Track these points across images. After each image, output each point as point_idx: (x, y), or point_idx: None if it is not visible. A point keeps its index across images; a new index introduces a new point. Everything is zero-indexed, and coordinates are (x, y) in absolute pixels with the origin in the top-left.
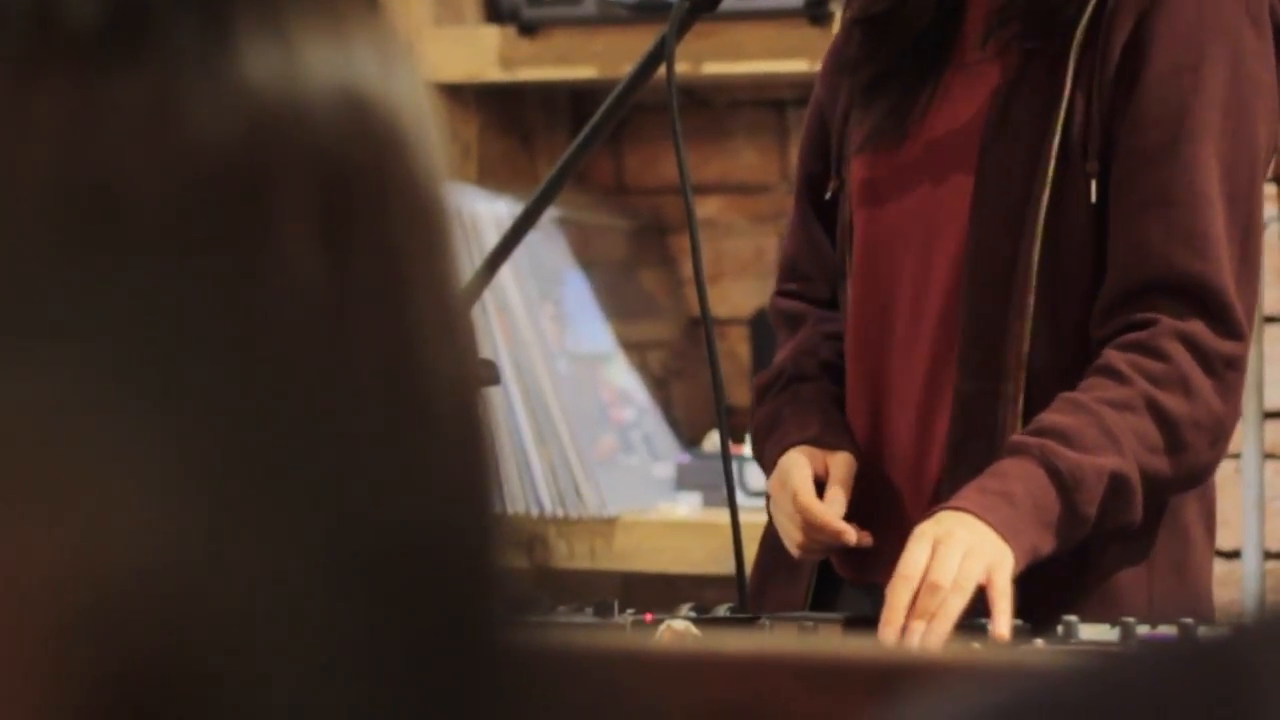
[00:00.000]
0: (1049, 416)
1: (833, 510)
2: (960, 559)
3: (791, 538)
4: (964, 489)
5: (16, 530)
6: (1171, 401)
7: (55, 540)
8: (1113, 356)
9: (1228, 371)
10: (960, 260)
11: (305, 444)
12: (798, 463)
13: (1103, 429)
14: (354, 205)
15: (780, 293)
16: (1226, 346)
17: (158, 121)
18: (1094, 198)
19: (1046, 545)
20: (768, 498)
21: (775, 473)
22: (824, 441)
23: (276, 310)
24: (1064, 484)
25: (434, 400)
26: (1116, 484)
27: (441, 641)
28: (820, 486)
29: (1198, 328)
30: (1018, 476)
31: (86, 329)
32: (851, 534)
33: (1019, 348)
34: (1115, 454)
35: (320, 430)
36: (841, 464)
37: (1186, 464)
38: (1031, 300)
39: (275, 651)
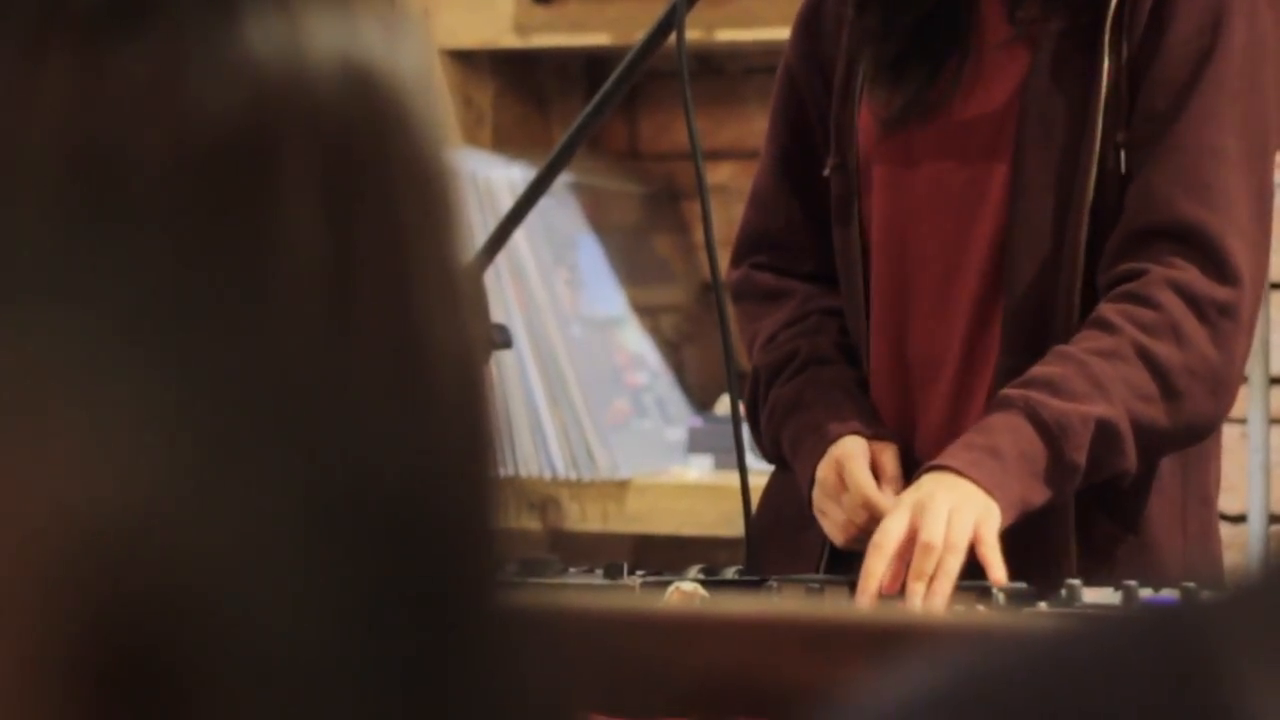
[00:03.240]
0: (1036, 369)
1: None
2: (946, 519)
3: (841, 526)
4: (951, 446)
5: (5, 474)
6: (1162, 349)
7: (44, 482)
8: (1104, 309)
9: (1222, 318)
10: (996, 241)
11: (302, 403)
12: (855, 453)
13: (1088, 377)
14: (357, 176)
15: (753, 265)
16: (1221, 293)
17: (162, 93)
18: (1124, 168)
19: (1037, 496)
20: (809, 485)
21: (827, 462)
22: (868, 431)
23: (278, 278)
24: (1049, 433)
25: (434, 367)
26: (1104, 430)
27: (431, 598)
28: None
29: (1191, 274)
30: (1003, 430)
31: (88, 289)
32: None
33: (1066, 327)
34: (1102, 401)
35: (318, 391)
36: (891, 457)
37: (1185, 413)
38: (1079, 280)
39: (263, 600)
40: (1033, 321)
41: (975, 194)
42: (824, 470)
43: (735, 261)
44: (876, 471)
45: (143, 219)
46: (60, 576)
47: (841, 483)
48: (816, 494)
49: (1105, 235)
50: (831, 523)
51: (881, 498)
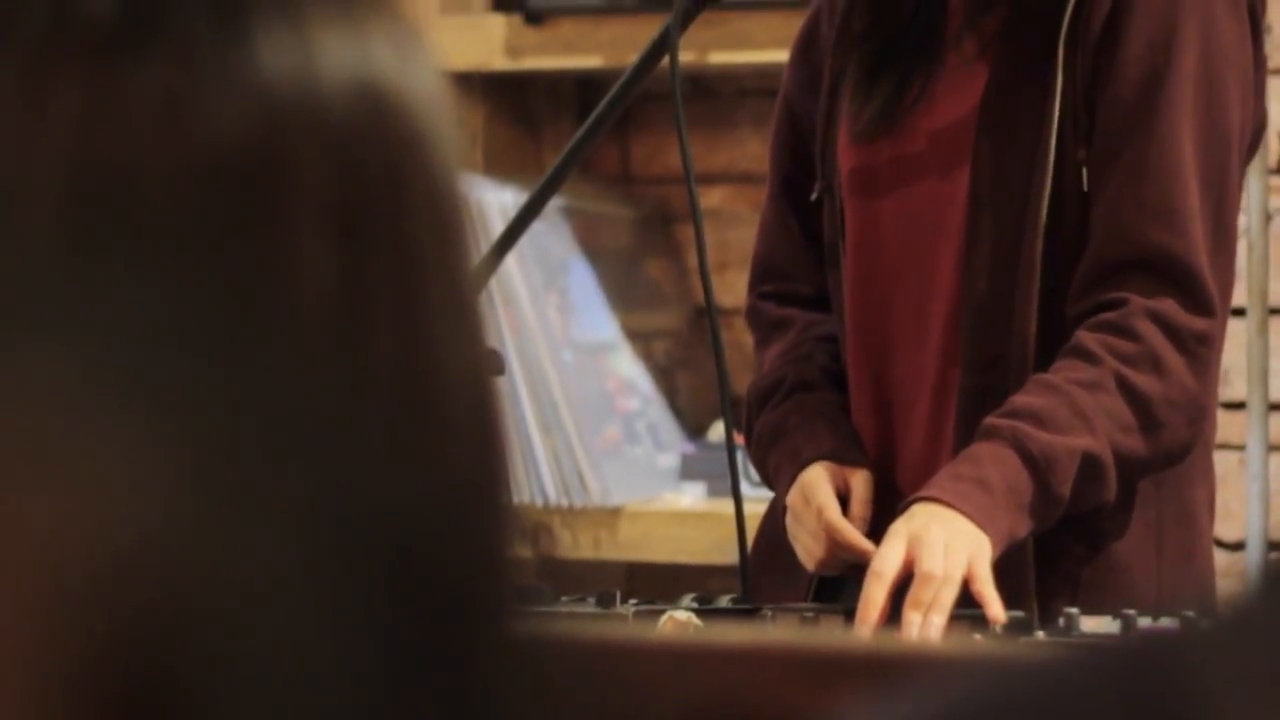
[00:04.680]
0: (1020, 398)
1: (857, 529)
2: (942, 551)
3: (811, 553)
4: (937, 476)
5: (12, 501)
6: (1143, 380)
7: (51, 513)
8: (1084, 337)
9: (1200, 348)
10: (962, 256)
11: (313, 429)
12: (821, 479)
13: (1074, 409)
14: (369, 200)
15: (760, 295)
16: (1199, 324)
17: (172, 115)
18: (1086, 186)
19: (1022, 528)
20: (783, 510)
21: (796, 488)
22: (841, 457)
23: (289, 301)
24: (1036, 465)
25: (447, 393)
26: (1089, 463)
27: (446, 629)
28: (841, 503)
29: (1169, 305)
30: (990, 461)
31: (97, 314)
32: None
33: (1024, 344)
34: (1087, 433)
35: (331, 420)
36: (862, 482)
37: (1163, 442)
38: (1036, 295)
39: (273, 632)
40: (991, 338)
41: (940, 211)
42: (793, 496)
43: (748, 291)
44: (845, 497)
45: (151, 241)
46: (68, 608)
47: (809, 509)
48: (788, 520)
49: (1063, 252)
50: (802, 548)
51: (843, 524)
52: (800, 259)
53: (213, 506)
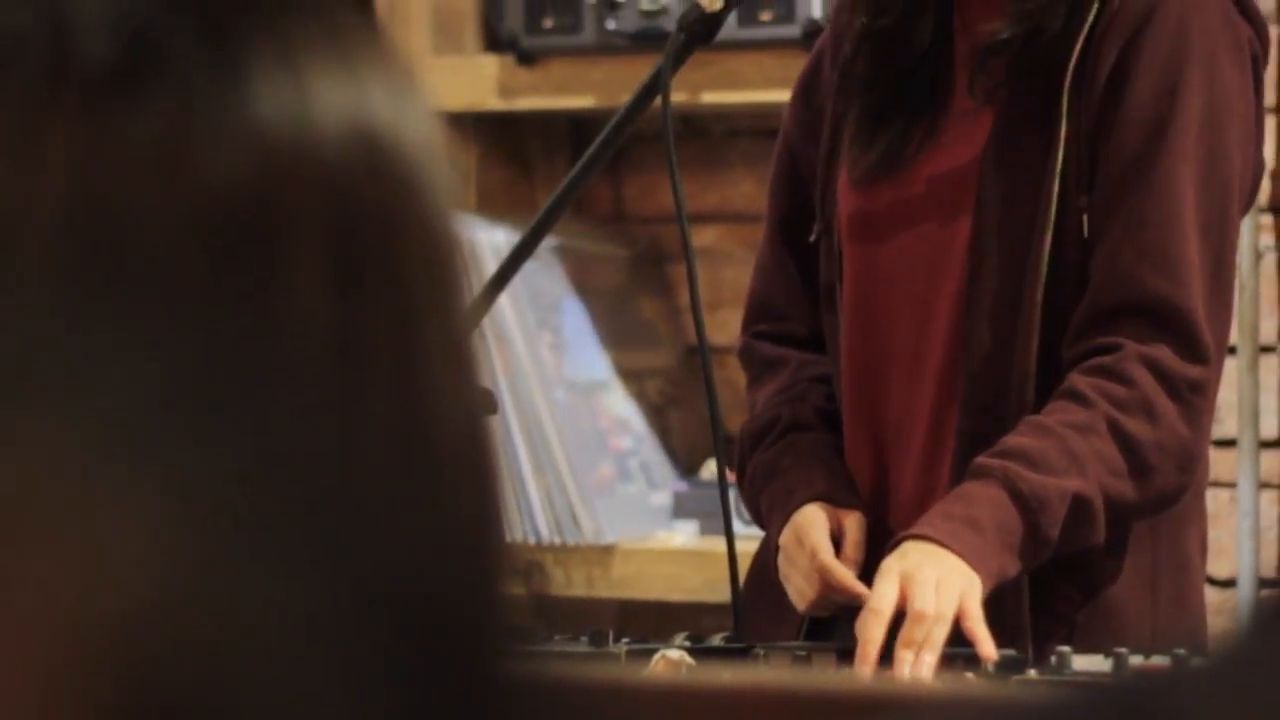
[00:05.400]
0: (1012, 439)
1: (850, 570)
2: (934, 590)
3: (803, 594)
4: (928, 514)
5: (27, 564)
6: (1135, 425)
7: (66, 575)
8: (1077, 380)
9: (1193, 396)
10: (960, 304)
11: (315, 483)
12: (814, 520)
13: (1065, 451)
14: (366, 244)
15: (754, 334)
16: (1192, 371)
17: (169, 160)
18: (1086, 232)
19: (1011, 567)
20: (775, 550)
21: (789, 528)
22: (834, 498)
23: (287, 348)
24: (1027, 506)
25: (443, 435)
26: (1079, 505)
27: (446, 672)
28: (834, 544)
29: (1163, 352)
30: (982, 500)
31: (98, 370)
32: (869, 596)
33: (1023, 389)
34: (1078, 476)
35: (331, 469)
36: (855, 524)
37: (1154, 488)
38: (1036, 341)
39: (280, 682)
40: (991, 383)
41: (940, 256)
42: (785, 537)
43: (742, 331)
44: (838, 539)
45: (148, 289)
46: (80, 667)
47: (802, 550)
48: (780, 560)
49: (1064, 298)
50: (793, 589)
51: (836, 566)
52: (795, 299)
53: (219, 563)
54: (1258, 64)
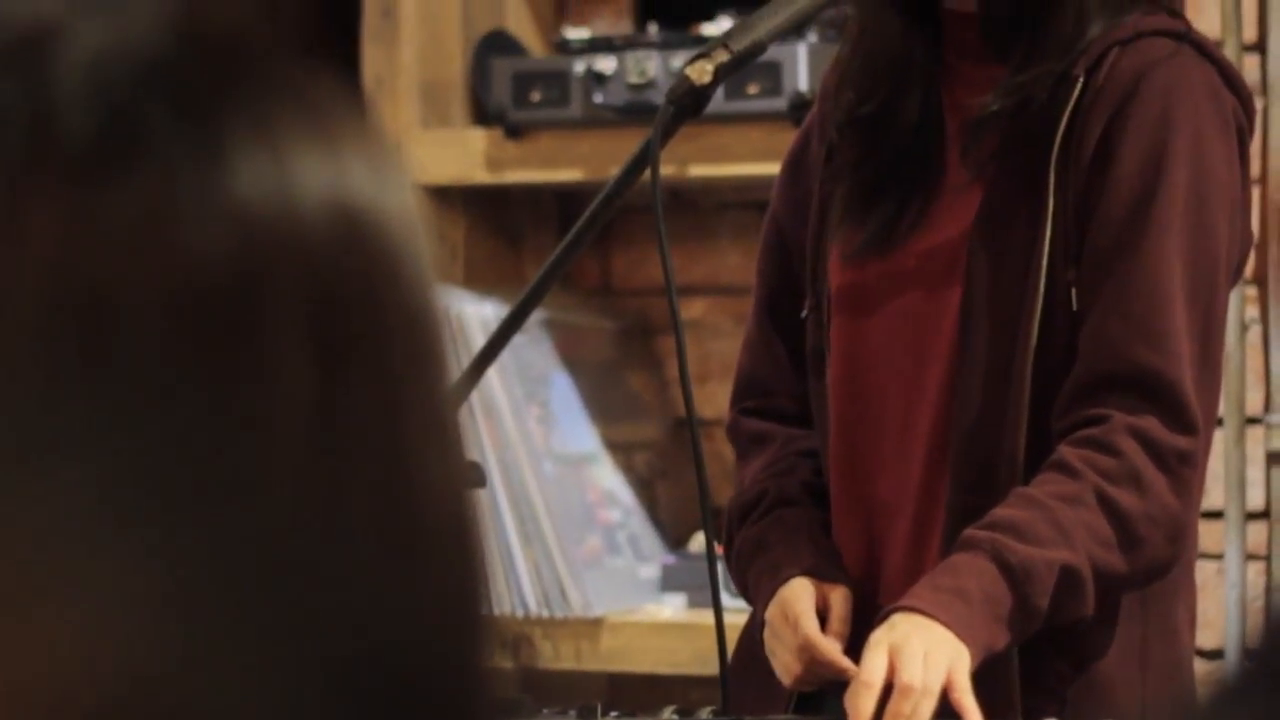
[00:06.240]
0: (1000, 511)
1: (836, 646)
2: (921, 662)
3: (788, 669)
4: (916, 585)
5: (7, 639)
6: (1124, 497)
7: (39, 653)
8: (1066, 452)
9: (1181, 467)
10: (949, 378)
11: (298, 559)
12: (800, 595)
13: (1053, 523)
14: (347, 321)
15: (742, 410)
16: (1181, 442)
17: (150, 237)
18: (1075, 305)
19: (1000, 640)
20: (762, 624)
21: (775, 603)
22: (821, 573)
23: (269, 424)
24: (1015, 578)
25: (427, 510)
26: (1067, 577)
27: None
28: (820, 619)
29: (1151, 423)
30: (970, 572)
31: (77, 447)
32: (855, 671)
33: (1013, 461)
34: (1066, 548)
35: (314, 546)
36: (842, 599)
37: (1143, 559)
38: (1025, 413)
39: None
40: (981, 457)
41: (929, 329)
42: (772, 612)
43: (730, 406)
44: (824, 613)
45: (131, 365)
46: None
47: (788, 625)
48: (766, 635)
49: (1053, 371)
50: (779, 664)
51: (822, 641)
52: (783, 375)
53: (199, 642)
54: (1243, 136)
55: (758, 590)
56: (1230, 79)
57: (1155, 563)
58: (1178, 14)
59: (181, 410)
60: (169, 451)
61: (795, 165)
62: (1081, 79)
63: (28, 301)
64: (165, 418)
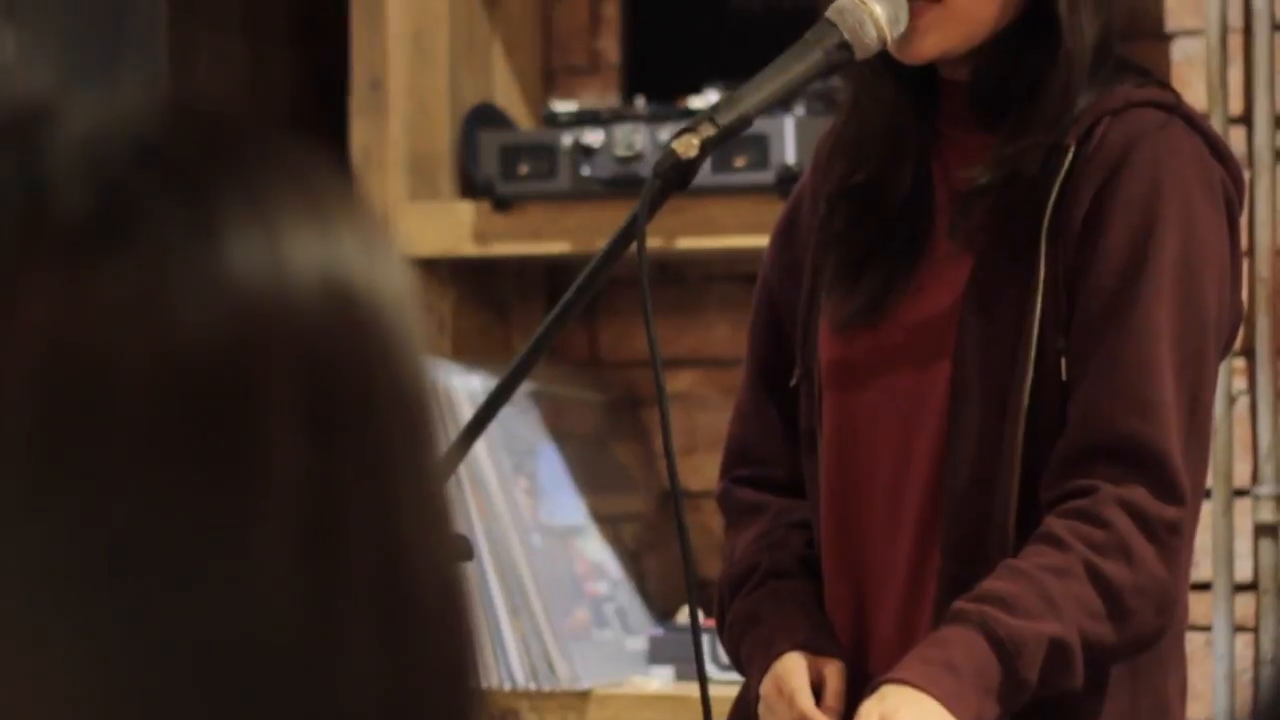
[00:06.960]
0: (989, 583)
1: (830, 719)
2: None
3: None
4: (906, 658)
5: None
6: (1112, 568)
7: None
8: (1054, 524)
9: (1170, 537)
10: (939, 449)
11: (287, 642)
12: (794, 669)
13: (1042, 595)
14: (339, 396)
15: (734, 479)
16: (1169, 512)
17: (143, 313)
18: (1064, 375)
19: (990, 712)
20: (756, 698)
21: (769, 677)
22: (815, 646)
23: (262, 502)
24: (1004, 651)
25: (416, 585)
26: (1056, 649)
27: None
28: (814, 693)
29: (1139, 494)
30: (958, 644)
31: (63, 523)
32: None
33: (1003, 532)
34: (1055, 620)
35: (303, 626)
36: (835, 673)
37: (1132, 630)
38: (1016, 484)
39: None
40: (971, 526)
41: (920, 400)
42: (766, 685)
43: (720, 475)
44: (819, 687)
45: (123, 440)
46: None
47: (782, 699)
48: (760, 709)
49: (1043, 442)
50: None
51: (816, 714)
52: (775, 444)
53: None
54: (1232, 206)
55: (751, 664)
56: (1219, 151)
57: (1144, 634)
58: (1168, 85)
59: (170, 491)
60: (157, 528)
61: (786, 233)
62: (1072, 148)
63: (20, 376)
64: (155, 494)
